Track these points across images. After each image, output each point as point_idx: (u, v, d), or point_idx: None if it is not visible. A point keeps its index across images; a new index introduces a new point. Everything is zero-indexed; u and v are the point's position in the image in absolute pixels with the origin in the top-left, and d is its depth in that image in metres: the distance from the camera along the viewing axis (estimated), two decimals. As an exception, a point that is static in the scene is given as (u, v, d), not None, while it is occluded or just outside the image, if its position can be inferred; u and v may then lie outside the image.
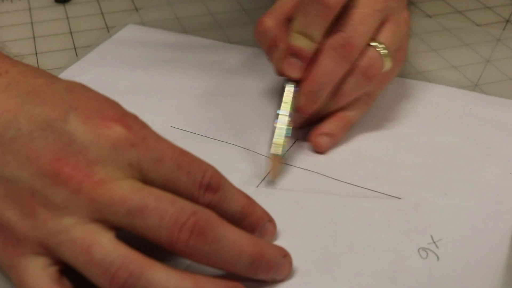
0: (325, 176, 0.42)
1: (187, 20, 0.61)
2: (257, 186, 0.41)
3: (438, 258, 0.36)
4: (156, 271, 0.30)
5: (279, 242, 0.36)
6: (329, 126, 0.44)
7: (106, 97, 0.34)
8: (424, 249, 0.36)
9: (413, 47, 0.56)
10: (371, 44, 0.42)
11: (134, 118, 0.33)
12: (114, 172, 0.31)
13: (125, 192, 0.30)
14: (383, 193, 0.40)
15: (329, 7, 0.40)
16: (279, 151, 0.40)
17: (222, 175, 0.34)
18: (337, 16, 0.41)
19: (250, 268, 0.32)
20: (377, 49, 0.42)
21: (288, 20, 0.43)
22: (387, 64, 0.43)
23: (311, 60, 0.42)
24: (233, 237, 0.31)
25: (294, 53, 0.41)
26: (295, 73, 0.42)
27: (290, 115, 0.42)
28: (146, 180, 0.32)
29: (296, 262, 0.35)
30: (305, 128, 0.45)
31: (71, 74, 0.51)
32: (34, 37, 0.58)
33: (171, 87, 0.50)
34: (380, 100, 0.48)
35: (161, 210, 0.30)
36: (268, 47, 0.44)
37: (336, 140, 0.44)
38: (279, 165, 0.41)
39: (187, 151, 0.33)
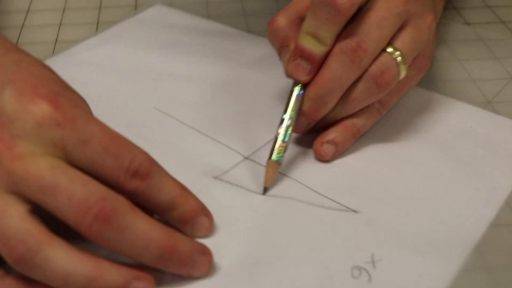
0: (288, 176, 0.40)
1: (215, 5, 0.61)
2: (214, 177, 0.40)
3: (369, 279, 0.34)
4: (55, 249, 0.30)
5: (213, 238, 0.36)
6: (334, 134, 0.42)
7: (54, 76, 0.34)
8: (359, 267, 0.34)
9: (436, 54, 0.53)
10: (387, 50, 0.40)
11: (69, 98, 0.33)
12: (35, 148, 0.31)
13: (41, 169, 0.31)
14: (341, 203, 0.39)
15: (340, 11, 0.38)
16: (274, 157, 0.39)
17: (156, 163, 0.34)
18: (352, 18, 0.39)
19: (159, 260, 0.32)
20: (393, 56, 0.40)
21: (302, 20, 0.41)
22: (402, 72, 0.40)
23: (320, 64, 0.40)
24: (142, 227, 0.31)
25: (303, 55, 0.40)
26: (302, 76, 0.40)
27: (291, 119, 0.40)
28: (71, 160, 0.32)
29: (222, 261, 0.34)
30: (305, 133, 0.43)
31: (80, 49, 0.53)
32: (64, 9, 0.60)
33: (176, 71, 0.51)
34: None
35: (71, 191, 0.30)
36: (279, 47, 0.42)
37: (341, 150, 0.42)
38: (273, 171, 0.39)
39: (121, 136, 0.33)
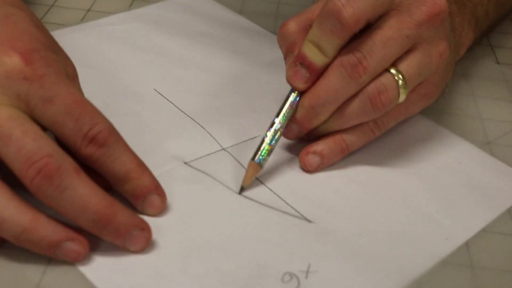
0: (256, 178, 0.41)
1: (251, 1, 0.61)
2: (185, 162, 0.41)
3: (297, 286, 0.34)
4: (-5, 196, 0.32)
5: (160, 218, 0.37)
6: (322, 146, 0.42)
7: (39, 34, 0.36)
8: (291, 274, 0.34)
9: (454, 87, 0.52)
10: (390, 70, 0.39)
11: (44, 57, 0.35)
12: (0, 97, 0.33)
13: (1, 117, 0.33)
14: (298, 211, 0.39)
15: (345, 25, 0.37)
16: (257, 158, 0.39)
17: (116, 133, 0.35)
18: (358, 33, 0.39)
19: (94, 227, 0.33)
20: (394, 77, 0.39)
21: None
22: (402, 96, 0.40)
23: (319, 74, 0.40)
24: (81, 191, 0.33)
25: (303, 62, 0.40)
26: (300, 83, 0.40)
27: (280, 124, 0.40)
28: (34, 116, 0.34)
29: (161, 240, 0.35)
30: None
31: (107, 21, 0.55)
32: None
33: (189, 58, 0.52)
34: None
35: (21, 143, 0.32)
36: (286, 51, 0.43)
37: (327, 163, 0.42)
38: (253, 172, 0.40)
39: (86, 102, 0.35)
